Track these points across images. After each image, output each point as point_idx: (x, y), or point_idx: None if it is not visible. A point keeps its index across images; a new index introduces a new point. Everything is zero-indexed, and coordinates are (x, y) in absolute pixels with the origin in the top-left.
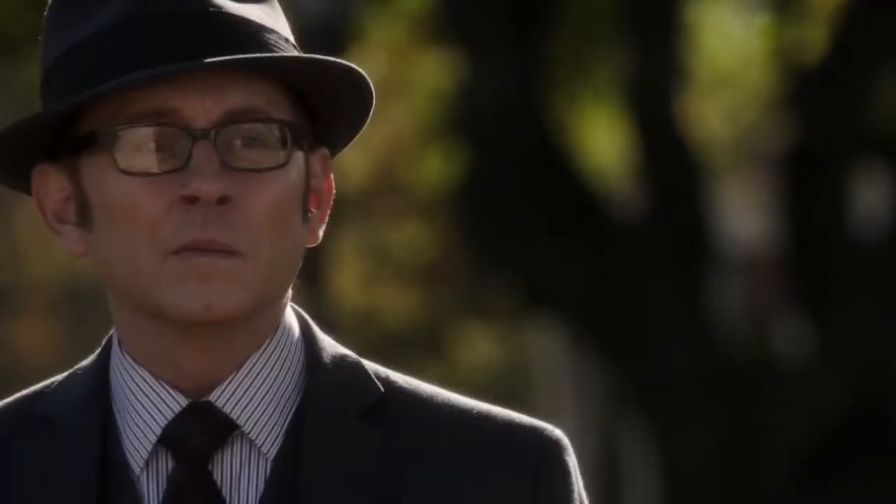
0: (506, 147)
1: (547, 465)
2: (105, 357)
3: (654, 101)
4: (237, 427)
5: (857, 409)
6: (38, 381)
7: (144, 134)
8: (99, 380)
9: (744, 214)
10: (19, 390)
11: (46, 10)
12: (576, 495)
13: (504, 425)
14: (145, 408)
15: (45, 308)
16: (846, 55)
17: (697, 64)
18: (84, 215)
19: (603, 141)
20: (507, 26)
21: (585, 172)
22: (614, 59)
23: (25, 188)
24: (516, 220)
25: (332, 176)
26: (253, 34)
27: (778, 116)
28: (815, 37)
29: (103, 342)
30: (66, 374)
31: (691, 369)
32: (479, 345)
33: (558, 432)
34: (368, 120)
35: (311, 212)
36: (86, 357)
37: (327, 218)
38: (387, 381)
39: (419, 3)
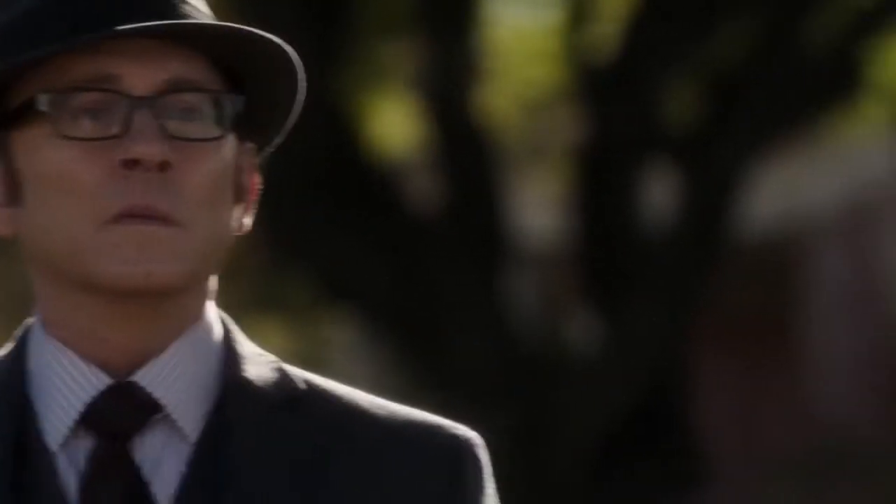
0: (303, 140)
1: (464, 460)
2: (21, 345)
3: (449, 95)
4: (160, 409)
5: (647, 402)
6: None
7: (84, 100)
8: (15, 366)
9: (538, 209)
10: None
11: None
12: (491, 491)
13: (422, 421)
14: (69, 387)
15: None
16: (637, 53)
17: (492, 58)
18: (14, 193)
19: (399, 135)
20: (302, 18)
21: (382, 166)
22: (410, 53)
23: None
24: (313, 214)
25: (256, 174)
26: (188, 7)
27: (571, 112)
28: (606, 34)
29: (18, 332)
30: None
31: (487, 363)
32: (275, 339)
33: (473, 433)
34: (292, 117)
35: (241, 200)
36: None
37: (253, 212)
38: (306, 379)
39: None
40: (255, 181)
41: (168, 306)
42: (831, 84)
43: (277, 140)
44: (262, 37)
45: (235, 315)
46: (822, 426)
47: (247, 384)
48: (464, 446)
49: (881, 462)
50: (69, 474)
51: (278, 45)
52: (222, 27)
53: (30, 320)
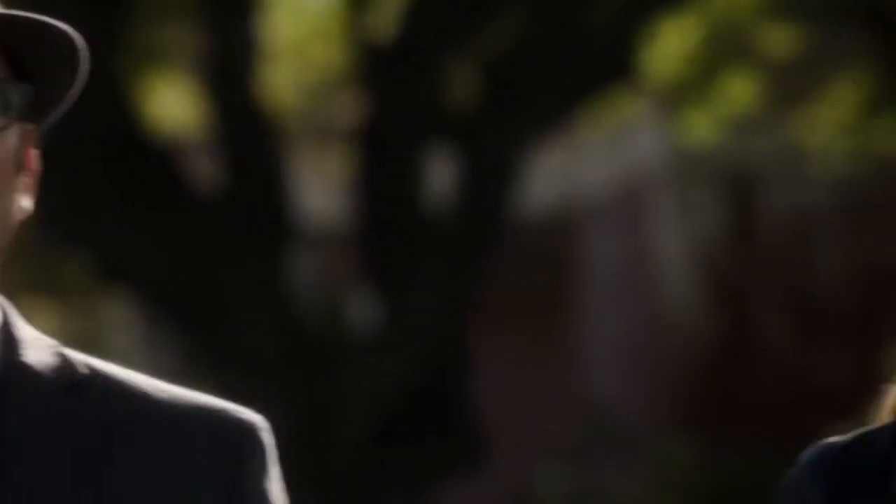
0: (80, 120)
1: (248, 444)
2: None
3: (230, 74)
4: None
5: (427, 383)
6: None
7: None
8: None
9: (320, 189)
10: None
11: None
12: (275, 474)
13: (206, 406)
14: None
15: None
16: (417, 36)
17: (272, 37)
18: None
19: (179, 114)
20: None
21: (162, 147)
22: (190, 31)
23: None
24: (91, 195)
25: (33, 151)
26: None
27: (353, 94)
28: (387, 17)
29: None
30: None
31: (269, 344)
32: (51, 321)
33: (258, 416)
34: (72, 99)
35: (24, 184)
36: None
37: (34, 194)
38: (88, 363)
39: None
40: (33, 159)
41: None
42: (605, 69)
43: (54, 120)
44: (44, 22)
45: (10, 297)
46: (595, 408)
47: (26, 369)
48: (248, 430)
49: (650, 444)
50: None
51: (62, 30)
52: (4, 15)
53: None
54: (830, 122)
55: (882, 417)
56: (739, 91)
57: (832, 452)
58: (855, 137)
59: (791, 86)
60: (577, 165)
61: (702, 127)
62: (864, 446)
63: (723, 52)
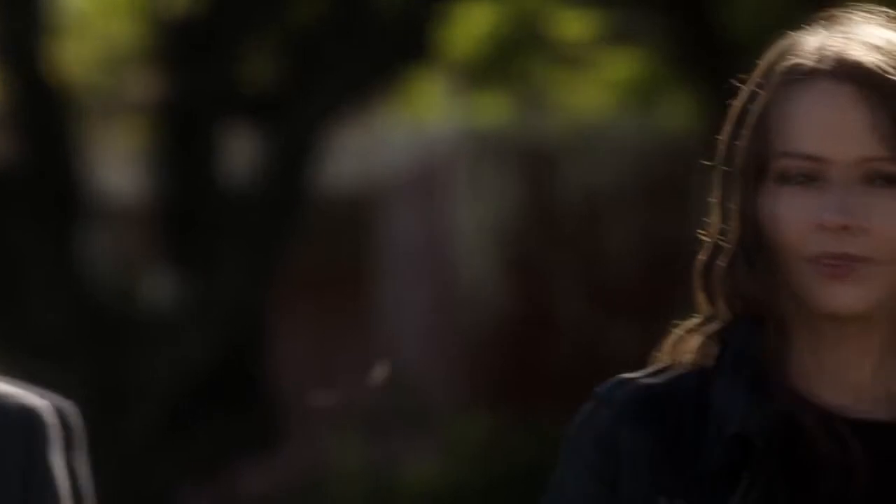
0: None
1: (45, 427)
2: None
3: (21, 45)
4: None
5: (225, 359)
6: None
7: None
8: None
9: (116, 165)
10: None
11: None
12: (78, 455)
13: (2, 391)
14: None
15: None
16: (217, 12)
17: (65, 9)
18: None
19: None
20: None
21: None
22: None
23: None
24: None
25: None
26: None
27: (150, 68)
28: None
29: None
30: None
31: (62, 322)
32: None
33: (63, 401)
34: None
35: None
36: None
37: None
38: None
39: None
40: None
41: None
42: (402, 49)
43: None
44: None
45: None
46: (393, 383)
47: None
48: (45, 414)
49: (448, 418)
50: None
51: None
52: None
53: None
54: (620, 101)
55: (679, 359)
56: (533, 71)
57: (643, 390)
58: (644, 114)
59: (583, 65)
60: (378, 144)
61: (497, 107)
62: (673, 385)
63: (518, 32)
